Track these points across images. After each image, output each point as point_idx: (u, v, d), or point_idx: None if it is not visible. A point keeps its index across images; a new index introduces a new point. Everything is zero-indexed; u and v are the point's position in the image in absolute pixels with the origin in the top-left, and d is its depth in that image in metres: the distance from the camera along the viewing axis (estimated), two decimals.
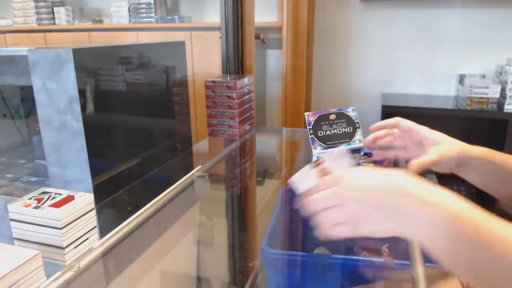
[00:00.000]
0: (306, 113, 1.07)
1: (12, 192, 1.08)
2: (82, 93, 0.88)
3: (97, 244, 0.74)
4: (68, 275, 0.66)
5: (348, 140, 1.12)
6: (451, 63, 2.65)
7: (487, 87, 2.30)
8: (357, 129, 1.13)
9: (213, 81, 1.42)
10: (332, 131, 1.09)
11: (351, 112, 1.13)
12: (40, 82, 0.89)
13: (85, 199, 0.71)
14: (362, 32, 2.77)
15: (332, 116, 1.09)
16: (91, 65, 0.92)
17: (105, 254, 0.74)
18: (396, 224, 0.45)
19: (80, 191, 0.74)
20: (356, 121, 1.13)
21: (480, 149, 0.69)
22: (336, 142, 1.11)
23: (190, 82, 2.75)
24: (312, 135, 1.07)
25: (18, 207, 0.68)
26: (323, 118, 1.08)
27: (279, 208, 1.08)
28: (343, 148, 1.08)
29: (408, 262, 0.71)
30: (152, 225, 0.88)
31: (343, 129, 1.11)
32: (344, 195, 0.48)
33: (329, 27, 2.83)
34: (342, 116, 1.11)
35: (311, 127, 1.07)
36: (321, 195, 0.49)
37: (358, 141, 1.14)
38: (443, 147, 0.69)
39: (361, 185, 0.47)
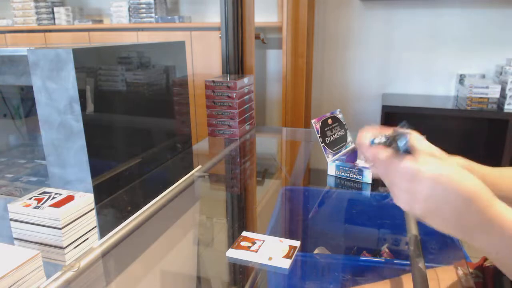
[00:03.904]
0: (312, 120, 1.05)
1: (12, 192, 1.08)
2: (82, 93, 0.88)
3: (97, 244, 0.75)
4: (68, 275, 0.66)
5: (344, 143, 1.12)
6: (451, 63, 2.65)
7: (487, 87, 2.30)
8: (347, 131, 1.12)
9: (213, 81, 1.42)
10: (332, 136, 1.08)
11: (339, 115, 1.12)
12: (40, 82, 0.89)
13: (85, 199, 0.71)
14: (362, 32, 2.77)
15: (330, 121, 1.08)
16: (91, 65, 0.92)
17: (105, 254, 0.74)
18: (460, 235, 0.51)
19: (80, 191, 0.74)
20: (344, 123, 1.13)
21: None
22: (337, 147, 1.09)
23: (190, 82, 2.74)
24: (323, 144, 1.05)
25: (18, 207, 0.68)
26: (324, 124, 1.07)
27: (279, 208, 1.08)
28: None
29: (408, 262, 0.71)
30: (152, 225, 0.88)
31: (339, 133, 1.10)
32: (418, 198, 0.49)
33: (329, 27, 2.83)
34: (335, 119, 1.10)
35: (320, 135, 1.05)
36: (398, 177, 0.50)
37: (350, 142, 1.13)
38: None
39: (435, 193, 0.48)
